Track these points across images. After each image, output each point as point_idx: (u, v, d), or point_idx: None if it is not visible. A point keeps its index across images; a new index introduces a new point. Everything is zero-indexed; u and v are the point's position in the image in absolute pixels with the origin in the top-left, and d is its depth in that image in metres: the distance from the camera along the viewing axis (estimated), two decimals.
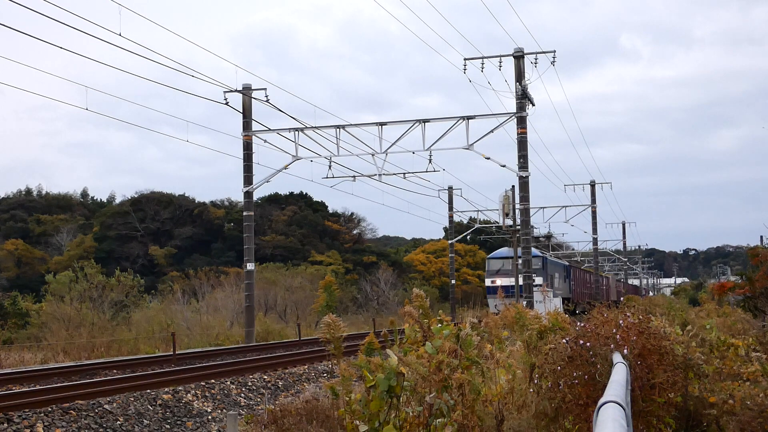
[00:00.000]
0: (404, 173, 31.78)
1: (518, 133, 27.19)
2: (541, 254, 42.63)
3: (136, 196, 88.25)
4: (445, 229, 60.60)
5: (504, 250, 44.10)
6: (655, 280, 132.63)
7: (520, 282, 33.18)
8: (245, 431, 9.66)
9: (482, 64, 27.52)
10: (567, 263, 53.56)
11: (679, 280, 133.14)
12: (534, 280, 36.74)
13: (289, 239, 76.72)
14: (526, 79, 27.37)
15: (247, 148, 29.01)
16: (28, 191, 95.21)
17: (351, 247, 79.39)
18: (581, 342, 7.07)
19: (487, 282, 43.22)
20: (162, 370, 15.82)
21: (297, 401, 10.55)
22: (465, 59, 27.86)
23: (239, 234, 46.17)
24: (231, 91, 27.93)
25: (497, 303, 35.43)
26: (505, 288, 38.61)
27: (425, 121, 27.58)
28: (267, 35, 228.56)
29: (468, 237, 68.01)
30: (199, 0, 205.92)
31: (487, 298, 41.33)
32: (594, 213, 56.73)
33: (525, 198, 27.89)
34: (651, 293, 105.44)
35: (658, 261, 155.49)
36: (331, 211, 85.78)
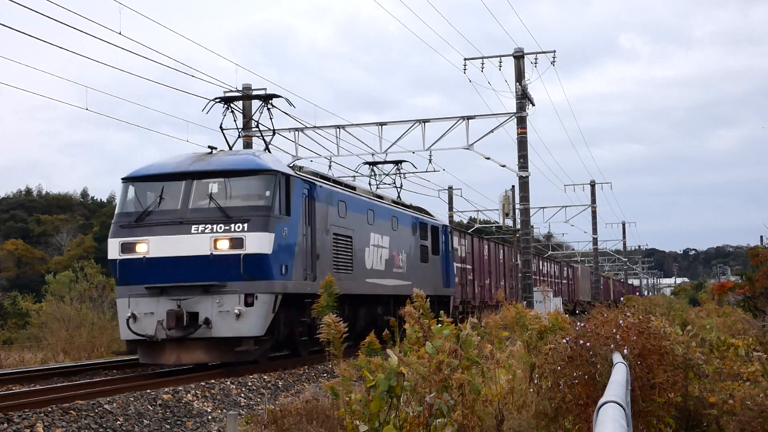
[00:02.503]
0: (404, 173, 31.72)
1: (518, 133, 27.18)
2: (311, 179, 16.48)
3: None
4: None
5: (169, 162, 15.65)
6: (655, 280, 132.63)
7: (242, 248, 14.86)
8: (245, 431, 9.66)
9: (482, 64, 27.54)
10: (434, 221, 24.80)
11: (679, 280, 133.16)
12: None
13: None
14: (526, 79, 27.37)
15: (247, 148, 29.00)
16: (28, 191, 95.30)
17: None
18: (581, 342, 7.08)
19: (113, 249, 14.71)
20: (162, 370, 15.81)
21: (297, 401, 10.55)
22: (465, 59, 27.88)
23: None
24: (231, 91, 27.89)
25: (137, 308, 14.35)
26: (174, 262, 14.26)
27: (425, 121, 27.56)
28: (266, 35, 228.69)
29: None
30: (199, 0, 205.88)
31: (116, 291, 15.02)
32: (594, 213, 56.74)
33: (525, 198, 27.89)
34: (650, 293, 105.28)
35: (658, 261, 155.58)
36: None
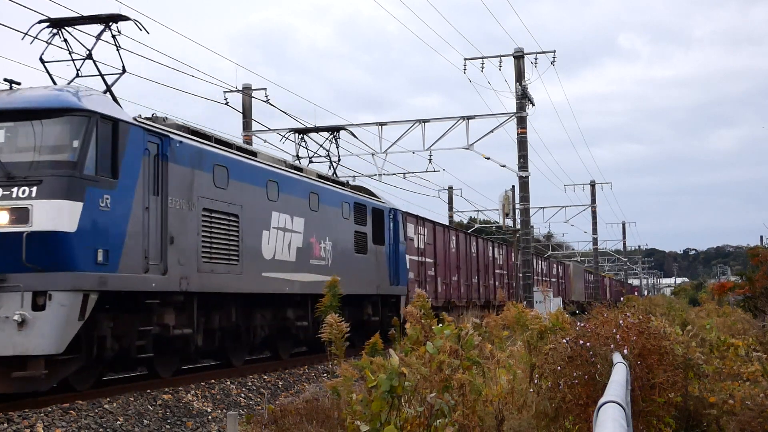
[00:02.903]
0: (404, 173, 31.82)
1: (518, 133, 27.20)
2: (165, 130, 11.86)
3: None
4: None
5: None
6: (655, 280, 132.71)
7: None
8: (245, 431, 9.68)
9: (482, 64, 27.57)
10: (377, 203, 20.70)
11: (679, 280, 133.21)
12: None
13: None
14: (526, 79, 27.40)
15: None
16: None
17: None
18: (581, 342, 7.09)
19: None
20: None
21: (297, 401, 10.57)
22: (465, 59, 27.91)
23: None
24: (231, 90, 27.92)
25: None
26: None
27: (425, 121, 27.60)
28: (266, 35, 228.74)
29: None
30: (199, 0, 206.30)
31: None
32: (594, 213, 56.78)
33: (525, 198, 27.90)
34: (650, 293, 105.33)
35: (658, 261, 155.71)
36: None
